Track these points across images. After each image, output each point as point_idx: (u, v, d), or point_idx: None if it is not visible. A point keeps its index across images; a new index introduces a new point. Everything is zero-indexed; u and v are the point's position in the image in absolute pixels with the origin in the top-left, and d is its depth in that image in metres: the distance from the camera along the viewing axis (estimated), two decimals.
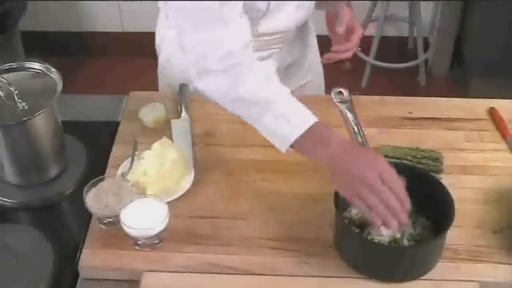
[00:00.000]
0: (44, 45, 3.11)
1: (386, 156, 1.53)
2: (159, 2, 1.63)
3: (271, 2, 1.51)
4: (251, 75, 1.38)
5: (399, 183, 1.26)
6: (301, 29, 1.79)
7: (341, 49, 1.62)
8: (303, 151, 1.35)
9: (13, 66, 1.56)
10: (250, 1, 1.47)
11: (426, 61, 3.53)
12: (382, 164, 1.27)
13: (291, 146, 1.34)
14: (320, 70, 1.98)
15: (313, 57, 1.91)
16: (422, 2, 3.35)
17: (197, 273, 1.34)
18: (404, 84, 3.48)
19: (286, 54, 1.79)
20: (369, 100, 1.75)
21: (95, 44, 3.70)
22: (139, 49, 3.63)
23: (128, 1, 3.55)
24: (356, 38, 1.59)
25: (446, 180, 1.44)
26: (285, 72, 1.81)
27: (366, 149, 1.29)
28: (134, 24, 3.65)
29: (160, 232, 1.35)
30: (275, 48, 1.73)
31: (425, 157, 1.53)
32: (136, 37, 3.66)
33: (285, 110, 1.34)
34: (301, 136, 1.32)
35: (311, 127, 1.32)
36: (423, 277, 1.32)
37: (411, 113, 1.69)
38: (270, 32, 1.63)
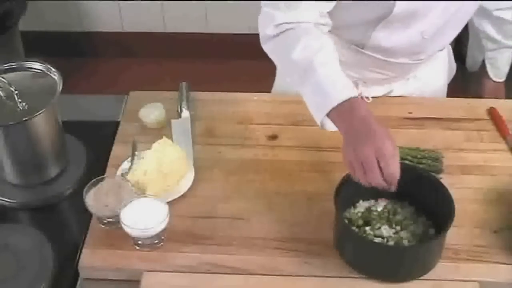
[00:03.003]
0: (44, 45, 3.11)
1: None
2: None
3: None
4: (302, 41, 1.40)
5: (393, 161, 1.27)
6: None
7: None
8: (335, 122, 1.36)
9: (13, 66, 1.56)
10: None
11: None
12: (383, 140, 1.28)
13: (328, 115, 1.35)
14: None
15: (436, 86, 1.87)
16: None
17: (197, 273, 1.34)
18: None
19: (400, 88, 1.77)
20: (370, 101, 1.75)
21: (95, 44, 3.70)
22: (139, 49, 3.65)
23: (128, 1, 3.55)
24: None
25: (446, 180, 1.44)
26: None
27: (380, 129, 1.31)
28: (134, 24, 3.65)
29: (160, 232, 1.35)
30: (386, 75, 1.71)
31: (425, 157, 1.53)
32: (136, 37, 3.66)
33: (326, 81, 1.36)
34: (334, 108, 1.33)
35: (344, 101, 1.32)
36: (423, 277, 1.32)
37: (411, 113, 1.70)
38: (385, 46, 1.59)
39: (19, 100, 1.47)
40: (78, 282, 1.36)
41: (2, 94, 1.48)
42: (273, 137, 1.63)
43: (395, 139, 1.58)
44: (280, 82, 1.90)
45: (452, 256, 1.36)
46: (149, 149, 1.50)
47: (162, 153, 1.48)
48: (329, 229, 1.40)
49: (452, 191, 1.35)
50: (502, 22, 1.80)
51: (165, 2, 3.55)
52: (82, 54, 3.65)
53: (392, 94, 1.78)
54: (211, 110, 1.71)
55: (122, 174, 1.49)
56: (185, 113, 1.67)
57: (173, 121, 1.66)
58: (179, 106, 1.70)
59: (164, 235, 1.37)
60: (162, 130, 1.63)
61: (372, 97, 1.74)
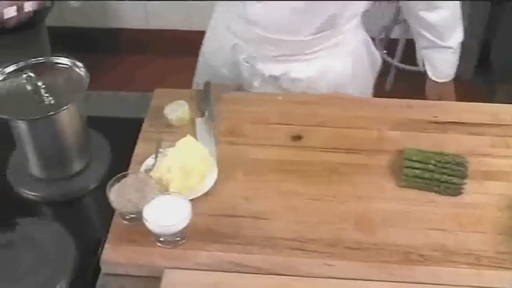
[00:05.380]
0: (70, 41, 3.13)
1: (410, 160, 1.52)
2: None
3: None
4: None
5: None
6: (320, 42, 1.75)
7: None
8: None
9: (41, 61, 1.57)
10: None
11: None
12: None
13: None
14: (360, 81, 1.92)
15: (341, 73, 1.84)
16: None
17: (218, 271, 1.34)
18: None
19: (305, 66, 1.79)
20: (394, 103, 1.74)
21: (122, 40, 3.72)
22: (164, 47, 3.66)
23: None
24: None
25: (470, 185, 1.43)
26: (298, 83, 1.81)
27: None
28: (159, 22, 3.66)
29: (182, 229, 1.35)
30: (277, 52, 1.74)
31: (449, 162, 1.52)
32: (161, 35, 3.68)
33: None
34: None
35: None
36: (444, 283, 1.31)
37: (436, 117, 1.68)
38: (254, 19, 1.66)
39: (46, 95, 1.48)
40: (99, 277, 1.37)
41: (29, 89, 1.49)
42: (297, 137, 1.62)
43: (420, 143, 1.59)
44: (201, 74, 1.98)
45: (475, 262, 1.35)
46: (173, 146, 1.51)
47: (185, 151, 1.49)
48: (351, 231, 1.40)
49: (476, 197, 1.34)
50: (427, 23, 1.79)
51: (190, 2, 3.56)
52: (108, 50, 3.67)
53: (291, 74, 1.79)
54: (235, 109, 1.71)
55: (146, 171, 1.49)
56: (210, 112, 1.68)
57: (197, 119, 1.67)
58: (203, 105, 1.70)
59: (186, 233, 1.38)
60: (186, 128, 1.63)
61: (270, 75, 1.79)
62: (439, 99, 1.90)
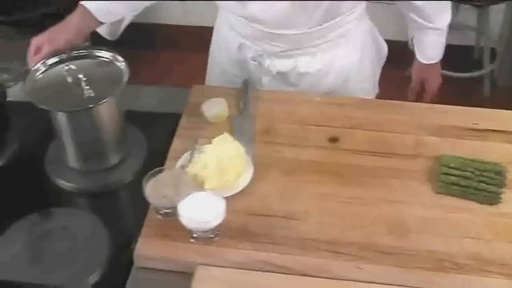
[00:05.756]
0: None
1: (448, 166, 1.51)
2: None
3: None
4: None
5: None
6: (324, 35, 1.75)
7: None
8: None
9: (82, 54, 1.59)
10: None
11: (491, 71, 3.47)
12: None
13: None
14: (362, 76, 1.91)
15: (348, 63, 1.83)
16: (492, 11, 3.29)
17: (250, 270, 1.34)
18: (468, 94, 3.43)
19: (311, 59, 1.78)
20: (432, 109, 1.73)
21: (158, 36, 3.74)
22: (200, 43, 3.67)
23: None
24: None
25: (508, 194, 1.41)
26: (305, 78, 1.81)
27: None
28: (196, 18, 3.68)
29: (216, 226, 1.36)
30: (281, 47, 1.75)
31: (487, 170, 1.50)
32: (199, 31, 3.69)
33: None
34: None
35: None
36: None
37: (476, 124, 1.66)
38: (257, 17, 1.68)
39: (86, 87, 1.50)
40: (132, 270, 1.38)
41: (69, 81, 1.51)
42: (334, 139, 1.62)
43: (458, 150, 1.56)
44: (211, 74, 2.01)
45: (510, 273, 1.33)
46: (209, 143, 1.51)
47: (222, 148, 1.49)
48: (383, 235, 1.39)
49: None
50: (415, 6, 1.78)
51: None
52: (146, 46, 3.69)
53: (299, 68, 1.79)
54: (272, 109, 1.71)
55: (182, 167, 1.50)
56: (247, 110, 1.68)
57: (234, 117, 1.67)
58: (241, 102, 1.70)
59: (219, 230, 1.38)
60: (223, 125, 1.63)
61: (278, 72, 1.79)
62: (424, 81, 1.93)
